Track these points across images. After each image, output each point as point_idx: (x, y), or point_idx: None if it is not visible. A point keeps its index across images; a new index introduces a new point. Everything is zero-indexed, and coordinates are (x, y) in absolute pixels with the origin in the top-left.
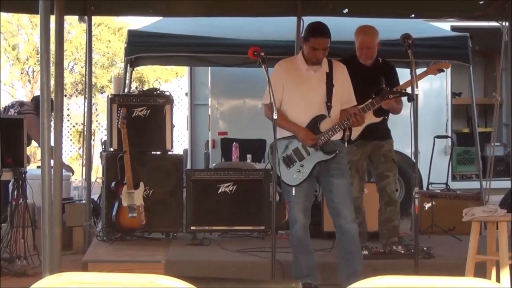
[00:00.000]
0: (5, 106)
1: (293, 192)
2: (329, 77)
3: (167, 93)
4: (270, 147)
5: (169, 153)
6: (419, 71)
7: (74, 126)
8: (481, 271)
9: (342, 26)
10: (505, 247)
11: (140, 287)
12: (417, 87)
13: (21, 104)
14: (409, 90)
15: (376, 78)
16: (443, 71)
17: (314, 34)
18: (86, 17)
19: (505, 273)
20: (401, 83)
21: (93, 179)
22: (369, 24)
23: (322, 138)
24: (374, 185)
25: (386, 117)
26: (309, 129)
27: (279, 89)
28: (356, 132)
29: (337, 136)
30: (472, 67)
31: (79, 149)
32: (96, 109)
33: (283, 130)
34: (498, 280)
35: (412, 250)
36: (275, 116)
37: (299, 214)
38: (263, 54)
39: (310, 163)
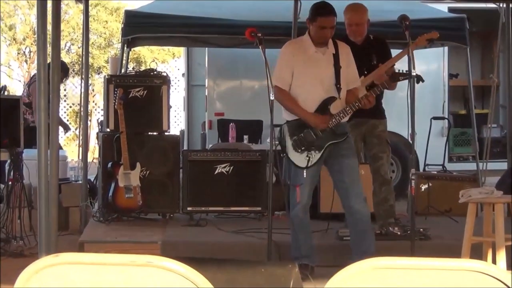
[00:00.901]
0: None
1: (304, 174)
2: (336, 58)
3: (164, 74)
4: (281, 128)
5: (166, 133)
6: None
7: (71, 107)
8: (477, 253)
9: (335, 6)
10: (501, 229)
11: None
12: (414, 68)
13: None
14: (402, 66)
15: (367, 55)
16: (433, 42)
17: (321, 13)
18: None
19: (501, 254)
20: (399, 64)
21: (89, 160)
22: (357, 1)
23: (334, 120)
24: (369, 166)
25: (380, 95)
26: (319, 112)
27: (288, 72)
28: None
29: (346, 118)
30: (470, 48)
31: (76, 129)
32: (93, 90)
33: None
34: (494, 261)
35: (409, 232)
36: (272, 97)
37: (305, 196)
38: (260, 35)
39: (321, 145)
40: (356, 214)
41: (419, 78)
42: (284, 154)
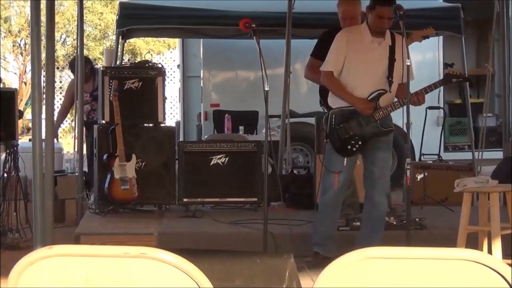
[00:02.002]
0: None
1: (345, 162)
2: (392, 50)
3: (159, 65)
4: (328, 115)
5: (161, 125)
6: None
7: None
8: (473, 242)
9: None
10: (496, 218)
11: (131, 259)
12: (408, 57)
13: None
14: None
15: None
16: (428, 37)
17: (380, 3)
18: None
19: (496, 243)
20: None
21: (85, 152)
22: None
23: (381, 112)
24: None
25: None
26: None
27: (340, 58)
28: None
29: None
30: (464, 38)
31: (72, 121)
32: None
33: (338, 99)
34: (490, 250)
35: (404, 221)
36: (266, 88)
37: (341, 183)
38: (254, 25)
39: (366, 136)
40: (376, 205)
41: (471, 83)
42: (327, 140)
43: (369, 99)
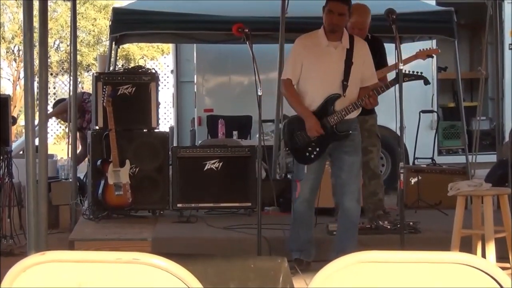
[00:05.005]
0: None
1: (305, 170)
2: (349, 54)
3: (153, 71)
4: (284, 124)
5: (155, 130)
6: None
7: None
8: (466, 246)
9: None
10: (490, 221)
11: (124, 264)
12: (401, 61)
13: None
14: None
15: None
16: (432, 56)
17: None
18: None
19: (490, 247)
20: (388, 57)
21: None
22: (362, 3)
23: (336, 117)
24: None
25: None
26: (322, 108)
27: (298, 66)
28: None
29: (353, 114)
30: (458, 41)
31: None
32: (82, 87)
33: None
34: (483, 254)
35: (398, 225)
36: (259, 93)
37: (306, 190)
38: (247, 30)
39: (323, 142)
40: (346, 211)
41: (426, 81)
42: (286, 149)
43: (322, 104)
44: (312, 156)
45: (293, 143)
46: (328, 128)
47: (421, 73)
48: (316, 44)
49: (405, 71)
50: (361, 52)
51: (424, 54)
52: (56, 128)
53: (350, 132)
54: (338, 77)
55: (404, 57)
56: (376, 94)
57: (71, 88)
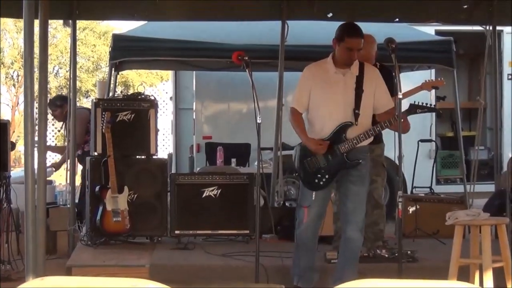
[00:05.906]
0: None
1: (313, 196)
2: (359, 81)
3: (152, 97)
4: (295, 148)
5: (154, 157)
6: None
7: (59, 131)
8: (464, 275)
9: (323, 29)
10: (488, 251)
11: None
12: (400, 91)
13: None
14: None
15: None
16: (437, 88)
17: (350, 34)
18: (70, 21)
19: (488, 276)
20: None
21: (77, 184)
22: (366, 34)
23: (347, 145)
24: None
25: None
26: (335, 138)
27: (305, 94)
28: None
29: (364, 143)
30: (457, 70)
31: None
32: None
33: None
34: (481, 283)
35: (396, 254)
36: (258, 120)
37: (312, 217)
38: (247, 58)
39: (332, 169)
40: (347, 240)
41: (438, 113)
42: (296, 174)
43: (334, 133)
44: (321, 183)
45: (303, 168)
46: (338, 155)
47: (431, 104)
48: (324, 71)
49: (418, 102)
50: (372, 79)
51: (430, 85)
52: (54, 154)
53: (360, 161)
54: (349, 105)
55: (407, 88)
56: (389, 124)
57: (70, 114)
